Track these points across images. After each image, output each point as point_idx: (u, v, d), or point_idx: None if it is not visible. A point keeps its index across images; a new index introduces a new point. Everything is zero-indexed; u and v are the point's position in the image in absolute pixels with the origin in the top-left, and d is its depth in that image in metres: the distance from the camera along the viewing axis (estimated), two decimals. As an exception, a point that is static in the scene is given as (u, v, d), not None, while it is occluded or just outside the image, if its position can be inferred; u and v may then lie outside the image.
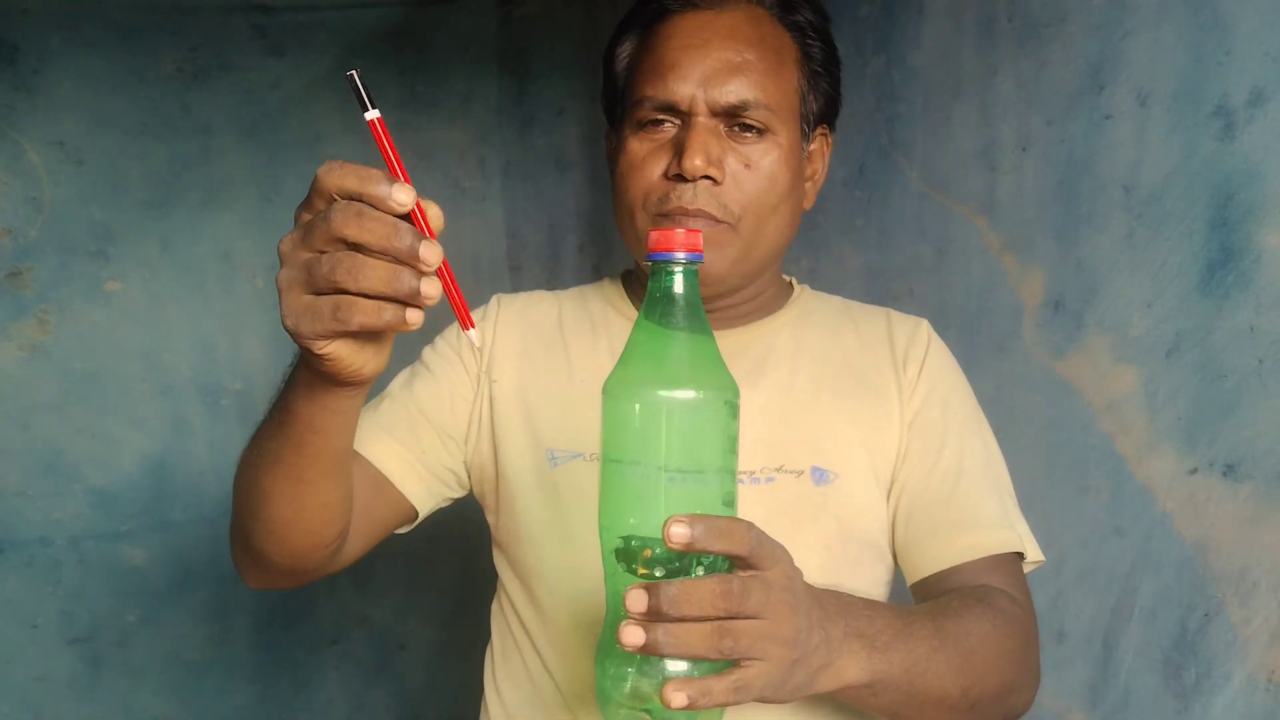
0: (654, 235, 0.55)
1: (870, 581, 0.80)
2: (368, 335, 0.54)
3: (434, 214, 0.51)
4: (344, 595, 1.94)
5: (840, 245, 1.42)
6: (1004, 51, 1.13)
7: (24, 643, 1.68)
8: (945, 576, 0.77)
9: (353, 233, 0.48)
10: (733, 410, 0.55)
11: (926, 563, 0.78)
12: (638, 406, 0.54)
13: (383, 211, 0.49)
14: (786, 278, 0.91)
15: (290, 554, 0.71)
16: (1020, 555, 0.79)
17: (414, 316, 0.50)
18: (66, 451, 1.67)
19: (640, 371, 0.55)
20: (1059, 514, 1.07)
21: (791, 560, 0.55)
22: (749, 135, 0.76)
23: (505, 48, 2.02)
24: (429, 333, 0.83)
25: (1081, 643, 1.05)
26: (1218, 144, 0.89)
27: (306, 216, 0.52)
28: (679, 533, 0.48)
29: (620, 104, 0.83)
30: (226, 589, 1.83)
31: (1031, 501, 1.11)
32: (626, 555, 0.53)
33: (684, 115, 0.76)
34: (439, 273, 0.50)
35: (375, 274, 0.48)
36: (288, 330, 0.52)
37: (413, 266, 0.49)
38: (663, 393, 0.53)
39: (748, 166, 0.76)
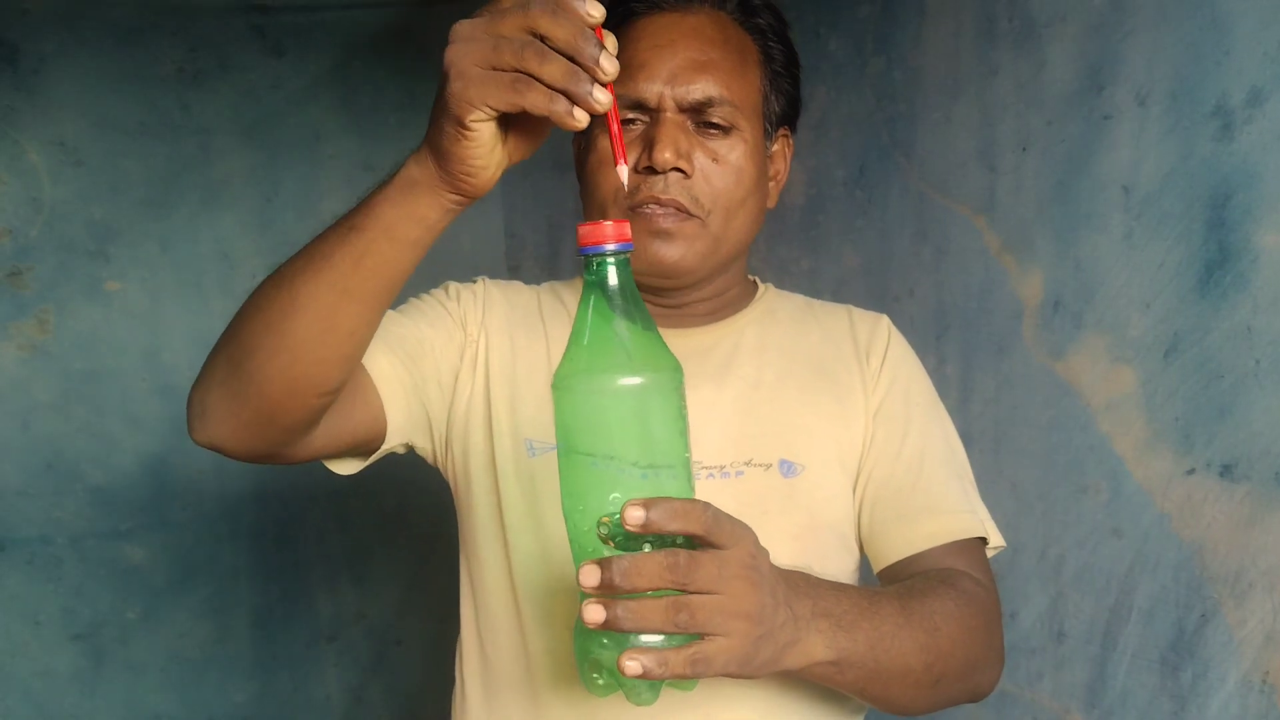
0: (583, 230, 0.56)
1: (838, 570, 0.82)
2: (519, 128, 0.58)
3: (611, 42, 0.54)
4: (342, 592, 1.95)
5: (840, 245, 1.42)
6: (1004, 52, 1.13)
7: (26, 639, 1.69)
8: (911, 562, 0.80)
9: (546, 26, 0.51)
10: (680, 392, 0.57)
11: (892, 549, 0.81)
12: (586, 397, 0.55)
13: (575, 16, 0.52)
14: (751, 277, 0.94)
15: (284, 387, 0.66)
16: (983, 540, 0.81)
17: (581, 115, 0.53)
18: (66, 451, 1.67)
19: (584, 362, 0.55)
20: (1058, 514, 1.08)
21: (755, 539, 0.57)
22: (715, 131, 0.79)
23: (505, 47, 2.01)
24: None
25: (1080, 643, 1.05)
26: (1216, 144, 0.89)
27: (490, 8, 0.54)
28: (634, 515, 0.50)
29: None
30: (226, 586, 1.84)
31: (1030, 501, 1.11)
32: (590, 540, 0.55)
33: (652, 112, 0.79)
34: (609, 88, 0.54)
35: (559, 67, 0.51)
36: (449, 97, 0.54)
37: (591, 73, 0.52)
38: (610, 381, 0.54)
39: (715, 161, 0.79)
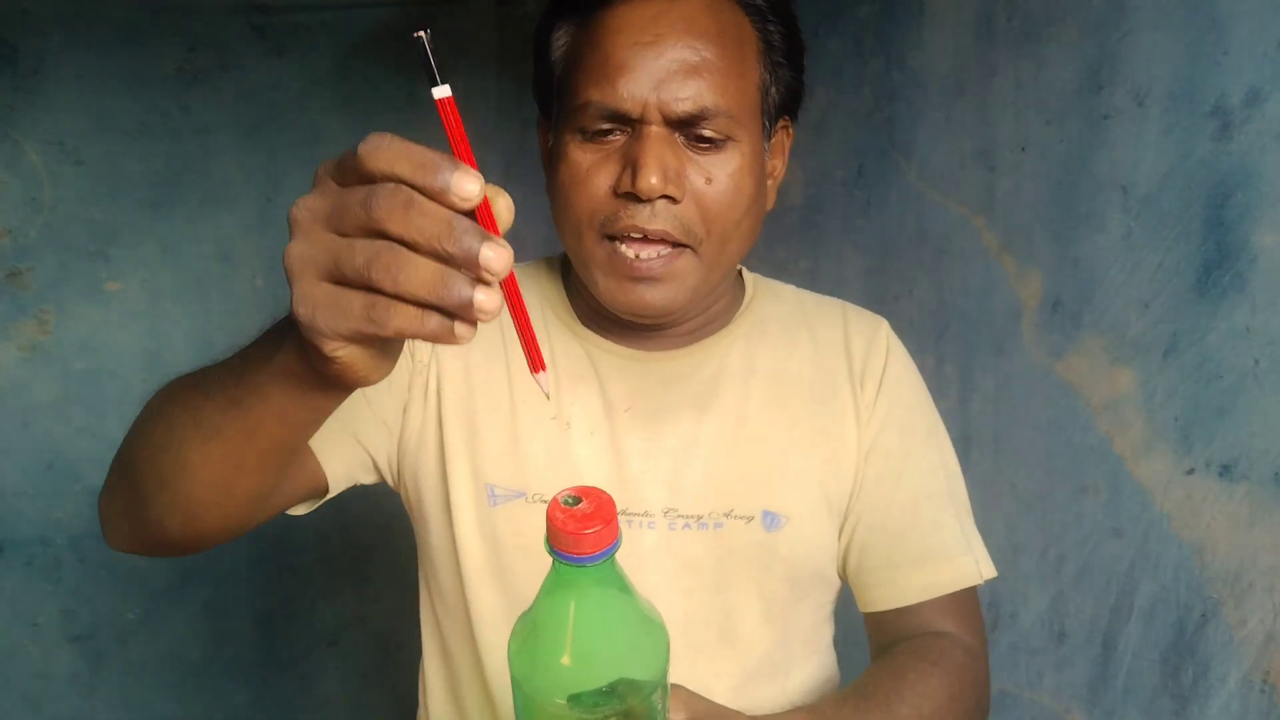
0: (554, 522, 0.43)
1: (815, 606, 0.80)
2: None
3: (503, 206, 0.41)
4: (342, 595, 1.94)
5: (840, 245, 1.42)
6: (1003, 52, 1.13)
7: (25, 640, 1.69)
8: (901, 616, 0.77)
9: (398, 228, 0.38)
10: (664, 685, 0.49)
11: (882, 598, 0.78)
12: (561, 711, 0.46)
13: (440, 204, 0.39)
14: (739, 270, 0.85)
15: (192, 535, 0.61)
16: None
17: (464, 331, 0.40)
18: (66, 451, 1.67)
19: (561, 680, 0.45)
20: (1058, 514, 1.08)
21: None
22: (709, 146, 0.68)
23: (505, 48, 2.02)
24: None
25: (1081, 643, 1.05)
26: (1214, 144, 0.89)
27: (333, 185, 0.42)
28: None
29: (557, 100, 0.73)
30: (226, 588, 1.84)
31: (1030, 502, 1.11)
32: None
33: (634, 123, 0.67)
34: (504, 284, 0.41)
35: (421, 276, 0.39)
36: (298, 320, 0.42)
37: (470, 272, 0.39)
38: (590, 706, 0.45)
39: (709, 181, 0.68)
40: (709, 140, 0.67)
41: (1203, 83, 0.90)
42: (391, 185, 0.39)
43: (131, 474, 0.61)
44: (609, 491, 0.70)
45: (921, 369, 0.87)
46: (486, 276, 0.39)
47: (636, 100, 0.65)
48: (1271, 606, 0.85)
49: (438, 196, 0.39)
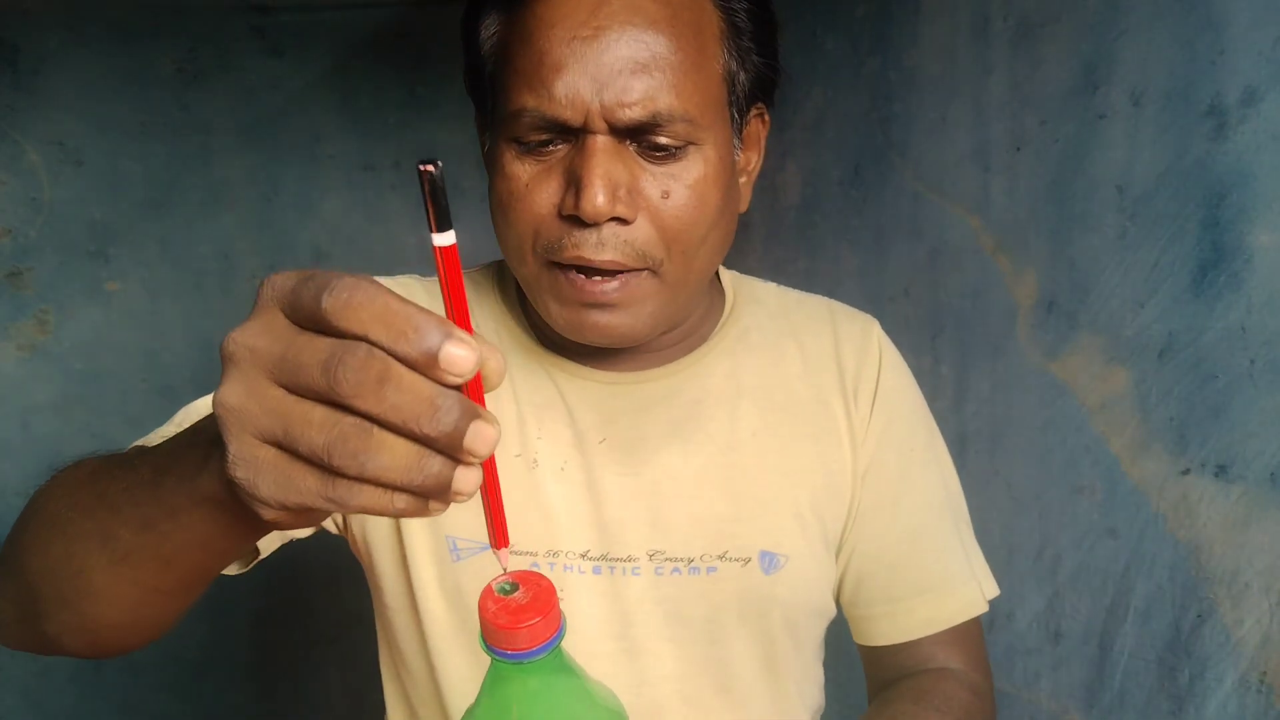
0: (487, 615, 0.39)
1: (814, 649, 0.75)
2: None
3: (494, 369, 0.34)
4: (342, 594, 1.95)
5: (836, 245, 1.42)
6: (998, 51, 1.13)
7: (25, 640, 1.69)
8: (902, 651, 0.73)
9: (368, 406, 0.31)
10: None
11: (881, 633, 0.73)
12: None
13: (422, 375, 0.32)
14: (717, 271, 0.78)
15: (96, 650, 0.53)
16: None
17: (437, 509, 0.35)
18: (66, 451, 1.66)
19: None
20: (1054, 515, 1.07)
21: None
22: (665, 154, 0.58)
23: (504, 48, 2.02)
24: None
25: (1077, 643, 1.05)
26: (1210, 144, 0.88)
27: (283, 322, 0.33)
28: None
29: (490, 100, 0.64)
30: (225, 588, 1.83)
31: (1026, 502, 1.11)
32: None
33: (576, 132, 0.57)
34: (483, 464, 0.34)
35: (392, 459, 0.32)
36: (234, 482, 0.34)
37: (449, 455, 0.33)
38: None
39: (666, 196, 0.58)
40: (665, 149, 0.58)
41: (1199, 82, 0.89)
42: (364, 349, 0.31)
43: (25, 584, 0.51)
44: (586, 533, 0.66)
45: (916, 369, 0.87)
46: (467, 459, 0.33)
47: (577, 107, 0.56)
48: (1268, 607, 0.85)
49: (422, 369, 0.32)
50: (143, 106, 1.70)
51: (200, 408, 0.68)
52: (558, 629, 0.39)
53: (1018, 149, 1.11)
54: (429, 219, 0.33)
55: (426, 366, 0.31)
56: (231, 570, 0.67)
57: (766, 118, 0.69)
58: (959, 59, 1.19)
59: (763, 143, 0.69)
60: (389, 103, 1.92)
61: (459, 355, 0.31)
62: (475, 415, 0.32)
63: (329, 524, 0.71)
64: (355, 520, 0.70)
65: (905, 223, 1.29)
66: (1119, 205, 0.98)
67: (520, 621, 0.38)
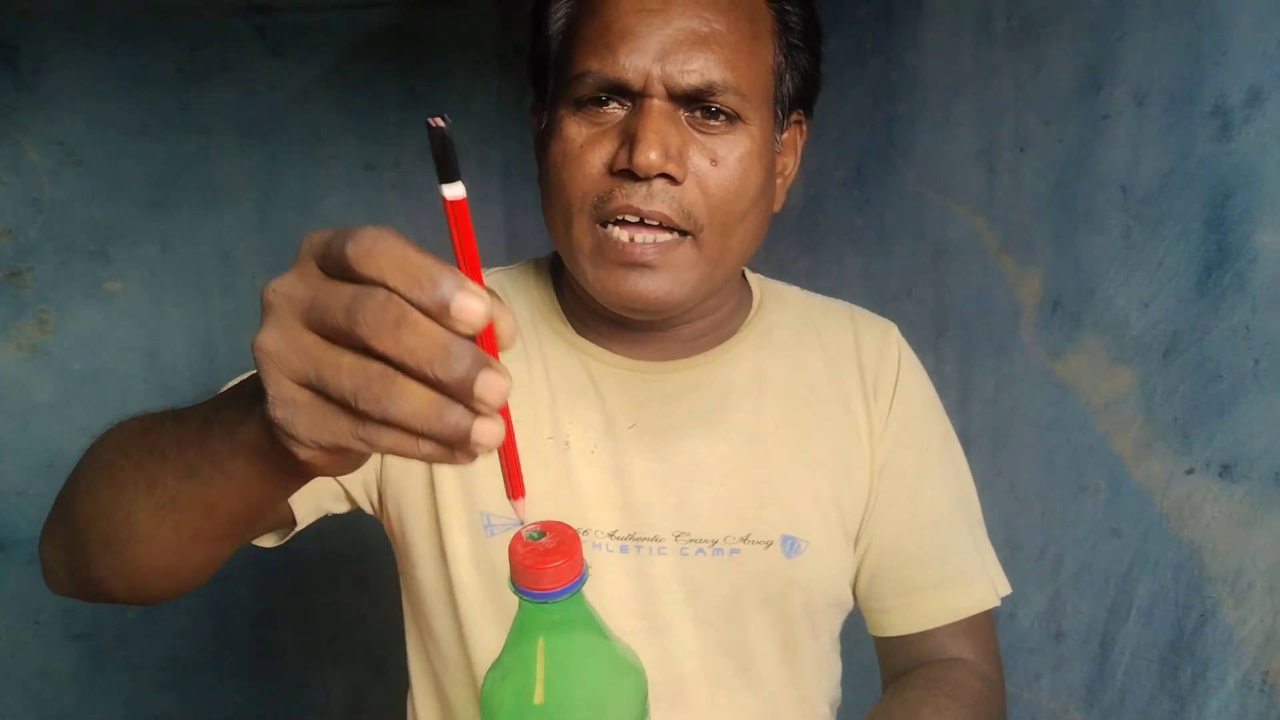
0: (515, 556, 0.42)
1: (831, 638, 0.77)
2: None
3: (506, 327, 0.36)
4: (342, 593, 1.95)
5: (839, 245, 1.42)
6: (1002, 52, 1.13)
7: (27, 638, 1.69)
8: (916, 641, 0.75)
9: (385, 346, 0.33)
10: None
11: (896, 624, 0.76)
12: None
13: (436, 322, 0.34)
14: (743, 272, 0.81)
15: (139, 597, 0.57)
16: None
17: (463, 459, 0.36)
18: (66, 451, 1.67)
19: (527, 710, 0.44)
20: (1057, 514, 1.07)
21: None
22: (716, 124, 0.63)
23: (505, 48, 2.02)
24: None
25: (1079, 642, 1.05)
26: (1214, 144, 0.89)
27: (315, 271, 0.36)
28: None
29: (553, 76, 0.68)
30: (226, 587, 1.84)
31: (1029, 501, 1.11)
32: None
33: (635, 96, 0.62)
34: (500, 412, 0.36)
35: (413, 405, 0.34)
36: (274, 422, 0.37)
37: (464, 403, 0.34)
38: None
39: (714, 163, 0.63)
40: (716, 114, 0.62)
41: (1203, 82, 0.89)
42: (383, 294, 0.34)
43: (74, 529, 0.55)
44: (614, 514, 0.69)
45: (921, 369, 0.87)
46: (480, 408, 0.34)
47: (639, 71, 0.60)
48: (1271, 607, 0.85)
49: (435, 316, 0.33)
50: (143, 106, 1.70)
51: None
52: (580, 573, 0.42)
53: (1021, 149, 1.11)
54: (441, 170, 0.35)
55: (439, 314, 0.33)
56: (268, 542, 0.70)
57: (805, 127, 0.74)
58: (962, 59, 1.19)
59: (799, 152, 0.74)
60: (389, 103, 1.92)
61: (470, 305, 0.33)
62: (485, 364, 0.34)
63: (364, 503, 0.74)
64: (390, 498, 0.72)
65: (908, 223, 1.29)
66: (1123, 205, 0.98)
67: (547, 563, 0.41)
